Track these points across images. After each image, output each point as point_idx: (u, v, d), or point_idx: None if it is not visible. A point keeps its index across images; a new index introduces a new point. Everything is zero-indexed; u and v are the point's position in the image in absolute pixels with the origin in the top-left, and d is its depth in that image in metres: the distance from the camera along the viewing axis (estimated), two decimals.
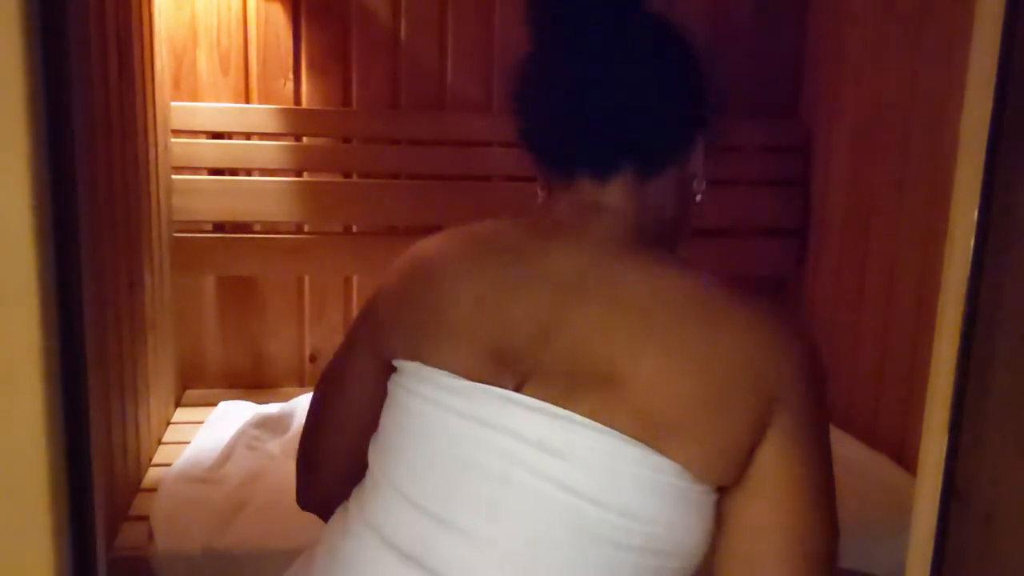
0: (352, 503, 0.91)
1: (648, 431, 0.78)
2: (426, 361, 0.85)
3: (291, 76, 1.96)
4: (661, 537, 0.80)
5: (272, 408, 1.82)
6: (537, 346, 0.81)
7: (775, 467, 0.80)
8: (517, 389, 0.81)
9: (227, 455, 1.62)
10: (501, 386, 0.81)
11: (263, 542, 1.34)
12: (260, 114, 1.93)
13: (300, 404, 1.85)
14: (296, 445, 1.73)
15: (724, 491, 0.81)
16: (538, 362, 0.81)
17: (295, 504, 1.49)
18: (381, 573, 0.82)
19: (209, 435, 1.70)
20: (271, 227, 1.98)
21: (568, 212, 0.87)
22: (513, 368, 0.81)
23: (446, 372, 0.83)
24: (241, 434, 1.69)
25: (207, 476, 1.54)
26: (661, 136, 0.87)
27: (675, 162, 0.89)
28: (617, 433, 0.78)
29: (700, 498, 0.80)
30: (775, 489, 0.80)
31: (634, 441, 0.78)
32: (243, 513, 1.42)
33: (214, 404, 1.86)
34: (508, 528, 0.79)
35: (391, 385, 0.90)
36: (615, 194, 0.86)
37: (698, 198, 0.92)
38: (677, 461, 0.78)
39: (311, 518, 1.40)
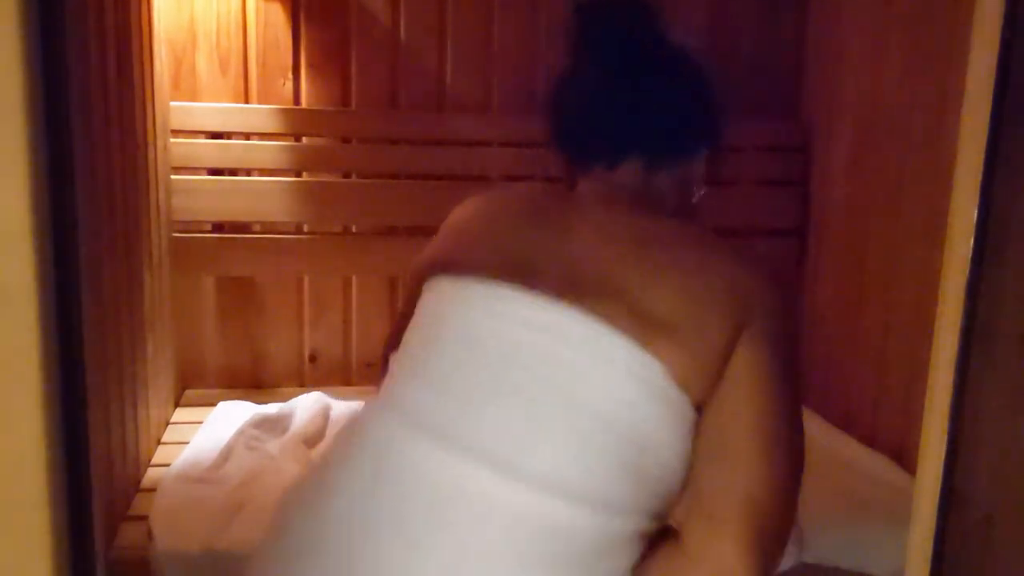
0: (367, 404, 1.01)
1: (639, 330, 0.89)
2: (451, 273, 1.00)
3: (290, 76, 1.96)
4: (642, 431, 0.89)
5: (271, 408, 1.82)
6: (545, 263, 0.95)
7: (744, 367, 0.90)
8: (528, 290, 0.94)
9: (226, 455, 1.62)
10: (514, 286, 0.94)
11: None
12: (259, 114, 1.93)
13: (299, 404, 1.85)
14: (294, 446, 1.74)
15: (701, 412, 0.91)
16: (546, 274, 0.94)
17: None
18: (396, 440, 0.91)
19: (208, 435, 1.70)
20: (270, 227, 1.98)
21: (585, 189, 1.05)
22: (525, 277, 0.94)
23: (467, 277, 0.98)
24: (240, 434, 1.69)
25: (206, 476, 1.54)
26: (660, 137, 1.05)
27: (675, 162, 1.05)
28: (611, 327, 0.89)
29: (682, 408, 0.90)
30: (743, 386, 0.90)
31: (626, 336, 0.89)
32: (242, 513, 1.41)
33: (213, 404, 1.86)
34: (511, 402, 0.90)
35: (417, 305, 1.03)
36: (623, 177, 1.04)
37: (695, 200, 1.10)
38: (664, 362, 0.89)
39: None
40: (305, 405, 1.84)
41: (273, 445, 1.68)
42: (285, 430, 1.75)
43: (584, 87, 1.06)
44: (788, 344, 0.94)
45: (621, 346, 0.89)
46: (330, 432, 1.76)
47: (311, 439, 1.72)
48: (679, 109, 1.05)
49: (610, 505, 0.89)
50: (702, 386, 0.90)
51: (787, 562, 1.39)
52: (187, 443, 1.68)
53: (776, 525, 0.90)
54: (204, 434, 1.71)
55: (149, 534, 1.36)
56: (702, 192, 1.10)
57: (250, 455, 1.63)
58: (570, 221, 0.98)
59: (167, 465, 1.58)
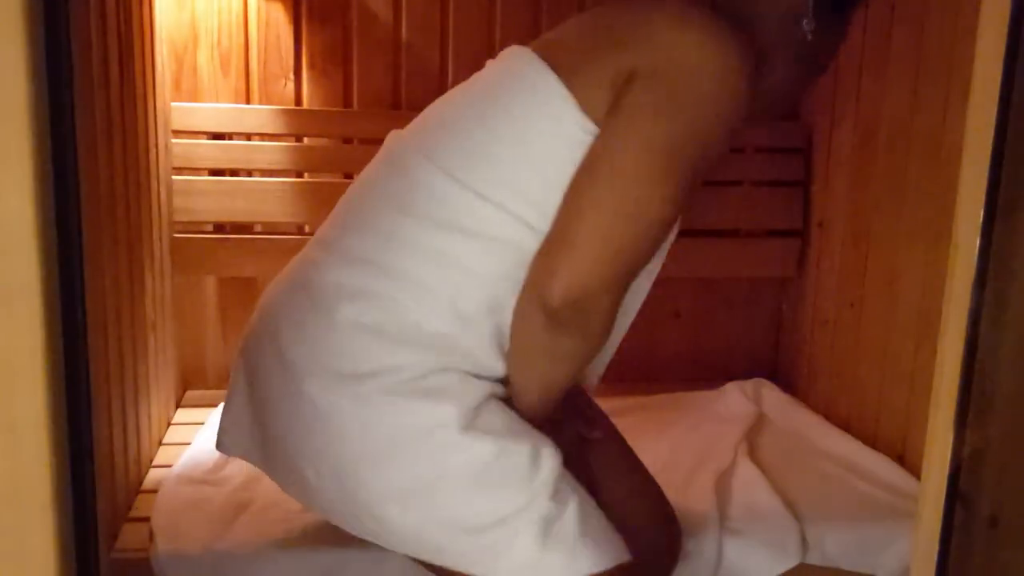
0: None
1: (550, 56, 1.05)
2: None
3: (292, 76, 1.96)
4: (529, 136, 1.03)
5: None
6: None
7: (626, 104, 0.98)
8: None
9: (228, 456, 1.61)
10: None
11: (264, 543, 1.34)
12: (260, 115, 1.92)
13: None
14: None
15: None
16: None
17: (296, 505, 1.49)
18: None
19: (210, 436, 1.69)
20: (272, 228, 1.97)
21: None
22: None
23: None
24: None
25: (208, 477, 1.54)
26: None
27: None
28: (532, 53, 1.07)
29: (572, 127, 1.01)
30: (618, 123, 0.99)
31: (539, 58, 1.05)
32: (244, 514, 1.41)
33: (215, 405, 1.86)
34: (442, 107, 1.18)
35: None
36: None
37: (808, 36, 1.08)
38: (571, 89, 1.01)
39: (312, 520, 1.40)
40: None
41: None
42: None
43: None
44: (682, 101, 0.99)
45: (530, 61, 1.05)
46: None
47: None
48: None
49: (483, 192, 1.03)
50: (594, 108, 1.01)
51: (788, 563, 1.39)
52: (188, 444, 1.68)
53: (601, 266, 0.99)
54: (206, 435, 1.71)
55: (150, 535, 1.36)
56: (811, 28, 1.08)
57: None
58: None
59: (169, 466, 1.58)
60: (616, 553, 1.05)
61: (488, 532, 1.02)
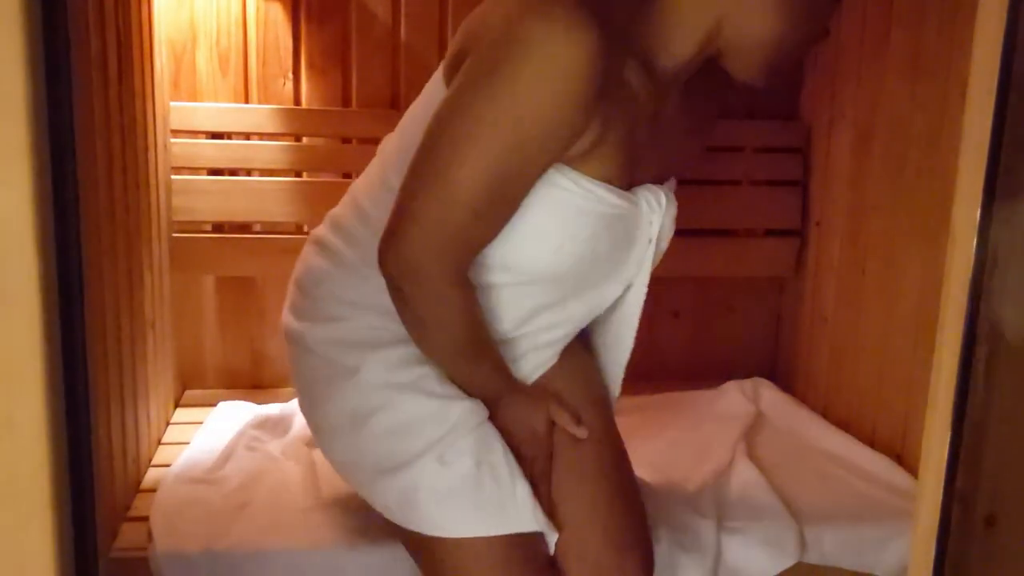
0: None
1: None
2: None
3: (291, 76, 1.96)
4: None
5: (272, 409, 1.82)
6: None
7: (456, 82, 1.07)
8: None
9: (227, 456, 1.61)
10: None
11: (263, 543, 1.34)
12: (259, 114, 1.92)
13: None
14: (296, 447, 1.74)
15: None
16: None
17: (295, 505, 1.50)
18: None
19: (209, 436, 1.70)
20: (271, 227, 1.97)
21: None
22: None
23: None
24: (241, 435, 1.69)
25: (207, 477, 1.54)
26: None
27: None
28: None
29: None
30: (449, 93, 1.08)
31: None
32: (243, 514, 1.41)
33: (214, 404, 1.86)
34: None
35: None
36: None
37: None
38: (449, 82, 1.12)
39: (311, 519, 1.41)
40: None
41: (274, 446, 1.68)
42: (286, 431, 1.74)
43: None
44: (496, 67, 1.01)
45: (441, 64, 1.18)
46: None
47: (313, 440, 1.72)
48: None
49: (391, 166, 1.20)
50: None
51: (787, 562, 1.39)
52: (187, 443, 1.68)
53: (427, 221, 1.06)
54: (204, 434, 1.71)
55: (149, 535, 1.36)
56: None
57: (251, 456, 1.63)
58: None
59: (167, 465, 1.58)
60: (506, 522, 1.12)
61: (390, 477, 1.15)
